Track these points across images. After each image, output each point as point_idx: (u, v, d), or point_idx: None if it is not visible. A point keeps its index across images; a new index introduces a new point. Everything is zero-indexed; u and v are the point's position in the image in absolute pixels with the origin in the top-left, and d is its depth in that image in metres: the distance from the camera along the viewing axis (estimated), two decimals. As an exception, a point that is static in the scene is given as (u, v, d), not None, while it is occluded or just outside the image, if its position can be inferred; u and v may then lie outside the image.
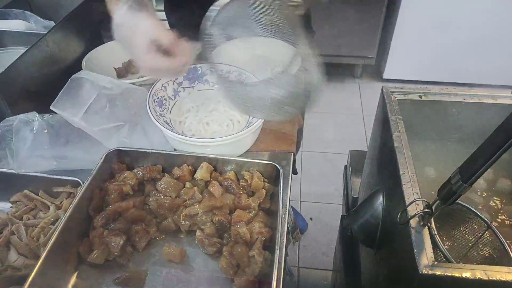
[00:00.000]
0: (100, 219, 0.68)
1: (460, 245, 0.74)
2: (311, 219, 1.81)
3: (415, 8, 2.41)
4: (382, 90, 0.91)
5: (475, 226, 0.73)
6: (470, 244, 0.73)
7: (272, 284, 0.57)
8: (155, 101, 0.83)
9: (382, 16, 2.50)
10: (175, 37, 0.70)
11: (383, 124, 0.87)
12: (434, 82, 2.66)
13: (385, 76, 2.76)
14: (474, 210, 0.72)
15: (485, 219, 0.72)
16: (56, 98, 0.77)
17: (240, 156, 0.83)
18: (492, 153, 0.53)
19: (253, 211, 0.71)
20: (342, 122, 2.63)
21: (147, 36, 0.68)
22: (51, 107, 0.77)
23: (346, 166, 1.40)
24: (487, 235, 0.71)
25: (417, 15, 2.44)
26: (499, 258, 0.69)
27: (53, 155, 0.77)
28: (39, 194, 0.76)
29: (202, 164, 0.76)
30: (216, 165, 0.78)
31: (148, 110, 0.77)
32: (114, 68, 1.06)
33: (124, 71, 1.06)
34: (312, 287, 1.73)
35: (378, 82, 2.83)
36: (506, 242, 0.69)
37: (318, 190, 2.00)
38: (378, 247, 0.83)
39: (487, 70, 2.42)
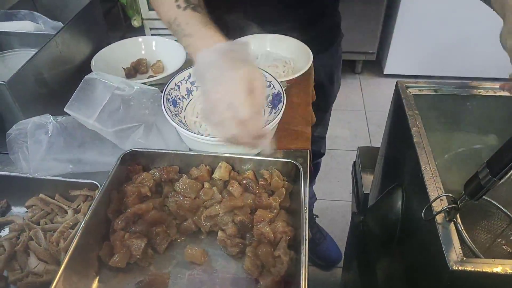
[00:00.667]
0: (120, 222, 0.67)
1: (482, 240, 0.73)
2: (317, 216, 1.80)
3: (416, 3, 2.41)
4: (396, 85, 0.90)
5: (498, 220, 0.72)
6: (493, 239, 0.73)
7: (301, 284, 0.56)
8: (169, 100, 0.82)
9: (383, 11, 2.50)
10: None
11: (399, 120, 0.86)
12: (436, 77, 2.66)
13: (386, 71, 2.76)
14: (497, 205, 0.72)
15: (508, 213, 0.71)
16: (70, 100, 0.76)
17: (257, 154, 0.82)
18: (523, 147, 0.52)
19: (275, 211, 0.70)
20: (344, 118, 2.63)
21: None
22: (65, 109, 0.75)
23: (355, 163, 1.39)
24: (510, 229, 0.71)
25: (417, 10, 2.44)
26: (523, 252, 0.68)
27: (69, 158, 0.76)
28: (55, 198, 0.75)
29: (220, 163, 0.75)
30: (234, 164, 0.77)
31: (164, 110, 0.76)
32: (123, 68, 1.05)
33: (133, 71, 1.05)
34: (320, 285, 1.73)
35: (379, 78, 2.83)
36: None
37: (323, 187, 1.99)
38: (398, 243, 0.83)
39: (489, 64, 2.42)
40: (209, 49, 0.62)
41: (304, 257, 0.60)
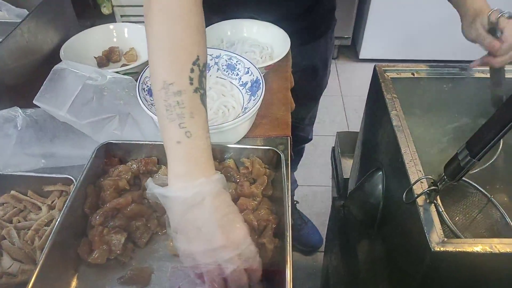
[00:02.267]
0: (98, 217, 0.65)
1: (462, 220, 0.75)
2: (297, 202, 1.81)
3: (389, -14, 2.42)
4: (374, 68, 0.90)
5: (476, 200, 0.74)
6: (471, 218, 0.74)
7: (287, 271, 0.56)
8: (145, 89, 0.79)
9: (357, -4, 2.50)
10: None
11: (378, 104, 0.86)
12: (411, 60, 2.69)
13: (361, 56, 2.77)
14: (475, 185, 0.73)
15: (485, 192, 0.73)
16: (39, 92, 0.73)
17: (237, 143, 0.80)
18: (502, 127, 0.53)
19: (258, 199, 0.69)
20: (320, 103, 2.63)
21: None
22: (34, 101, 0.72)
23: (334, 148, 1.40)
24: (488, 208, 0.73)
25: (391, -6, 2.45)
26: (501, 230, 0.70)
27: (40, 153, 0.73)
28: (28, 194, 0.72)
29: (200, 153, 0.73)
30: (214, 153, 0.75)
31: (139, 99, 0.74)
32: (95, 57, 1.01)
33: (105, 60, 1.01)
34: (303, 270, 1.74)
35: (355, 63, 2.85)
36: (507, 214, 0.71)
37: (303, 173, 2.00)
38: (379, 226, 0.84)
39: (463, 46, 2.46)
40: (210, 181, 0.53)
41: (289, 244, 0.59)
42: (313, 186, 2.06)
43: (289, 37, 0.99)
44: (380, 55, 2.73)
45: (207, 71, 0.87)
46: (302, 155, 1.71)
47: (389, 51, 2.71)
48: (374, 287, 0.88)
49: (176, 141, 0.53)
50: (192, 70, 0.54)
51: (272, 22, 1.03)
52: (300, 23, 1.11)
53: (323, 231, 1.76)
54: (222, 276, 0.52)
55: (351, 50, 2.89)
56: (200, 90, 0.55)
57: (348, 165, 1.25)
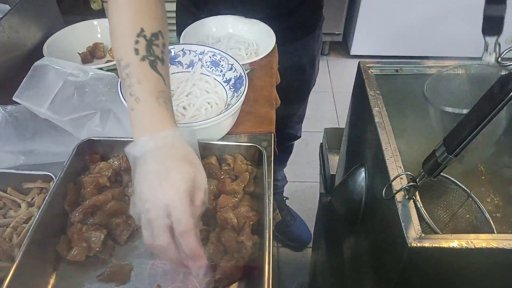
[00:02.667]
0: (77, 214, 0.65)
1: (442, 215, 0.75)
2: (287, 198, 1.82)
3: (380, -17, 2.42)
4: (358, 65, 0.90)
5: (456, 196, 0.74)
6: (451, 214, 0.75)
7: (265, 268, 0.56)
8: (127, 86, 0.78)
9: (348, -8, 2.50)
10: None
11: (362, 100, 0.86)
12: (402, 56, 2.70)
13: (352, 52, 2.77)
14: (455, 181, 0.74)
15: (465, 188, 0.73)
16: (19, 88, 0.72)
17: (220, 139, 0.80)
18: (477, 123, 0.53)
19: (238, 195, 0.69)
20: (312, 99, 2.62)
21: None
22: (14, 98, 0.71)
23: (321, 144, 1.40)
24: (468, 204, 0.73)
25: (381, -10, 2.45)
26: (480, 226, 0.71)
27: (20, 149, 0.72)
28: (8, 192, 0.71)
29: (181, 150, 0.73)
30: (196, 150, 0.75)
31: (121, 96, 0.73)
32: (78, 53, 1.00)
33: (89, 56, 1.00)
34: (292, 265, 1.75)
35: (346, 59, 2.85)
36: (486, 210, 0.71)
37: (293, 169, 2.00)
38: (362, 222, 0.84)
39: (453, 42, 2.47)
40: (155, 138, 0.55)
41: (267, 242, 0.59)
42: (303, 182, 2.07)
43: (276, 34, 0.98)
44: (371, 51, 2.74)
45: (191, 67, 0.87)
46: (291, 152, 1.71)
47: (380, 47, 2.72)
48: (359, 282, 0.89)
49: (131, 108, 0.57)
50: (136, 42, 0.58)
51: (258, 19, 1.03)
52: (287, 20, 1.11)
53: (312, 227, 1.76)
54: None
55: (342, 46, 2.89)
56: (149, 57, 0.59)
57: (335, 161, 1.26)
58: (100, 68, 0.86)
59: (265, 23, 1.02)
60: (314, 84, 1.41)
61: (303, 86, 1.35)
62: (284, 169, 1.77)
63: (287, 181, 1.81)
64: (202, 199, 0.55)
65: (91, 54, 1.01)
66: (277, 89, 1.00)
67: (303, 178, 2.08)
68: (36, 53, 0.91)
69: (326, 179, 1.27)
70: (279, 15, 1.09)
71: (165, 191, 0.51)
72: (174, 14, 1.24)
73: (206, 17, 1.03)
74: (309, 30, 1.20)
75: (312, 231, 1.75)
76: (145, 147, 0.55)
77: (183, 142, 0.58)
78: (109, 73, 0.81)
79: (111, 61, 0.99)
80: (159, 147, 0.55)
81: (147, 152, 0.54)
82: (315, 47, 1.27)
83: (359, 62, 0.91)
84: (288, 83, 1.10)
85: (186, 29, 0.97)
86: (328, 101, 2.55)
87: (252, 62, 0.92)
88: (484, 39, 0.75)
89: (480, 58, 0.79)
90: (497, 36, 0.73)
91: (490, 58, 0.74)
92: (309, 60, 1.27)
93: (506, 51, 0.54)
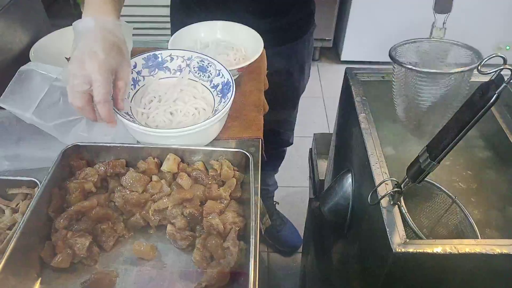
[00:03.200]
0: (62, 221, 0.64)
1: (428, 221, 0.76)
2: (277, 203, 1.82)
3: (369, -11, 2.44)
4: (345, 71, 0.91)
5: (441, 201, 0.75)
6: (437, 219, 0.75)
7: (250, 274, 0.56)
8: (113, 92, 0.78)
9: (338, -2, 2.52)
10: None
11: (348, 106, 0.87)
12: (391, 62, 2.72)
13: (343, 58, 2.79)
14: (440, 186, 0.75)
15: (450, 194, 0.74)
16: (4, 93, 0.71)
17: (208, 145, 0.80)
18: (459, 130, 0.54)
19: (225, 201, 0.69)
20: (302, 105, 2.64)
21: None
22: (-2, 103, 0.71)
23: (311, 149, 1.41)
24: (453, 209, 0.74)
25: (371, -4, 2.48)
26: (464, 231, 0.71)
27: (5, 155, 0.71)
28: (-9, 198, 0.70)
29: (168, 155, 0.73)
30: (183, 156, 0.75)
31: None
32: (66, 58, 1.00)
33: None
34: (282, 270, 1.75)
35: (337, 64, 2.87)
36: (470, 215, 0.72)
37: (283, 174, 2.01)
38: (349, 227, 0.85)
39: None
40: (97, 20, 0.69)
41: (253, 248, 0.59)
42: (294, 187, 2.07)
43: (263, 35, 0.98)
44: (362, 57, 2.76)
45: (179, 72, 0.87)
46: (283, 158, 1.71)
47: (370, 53, 2.74)
48: (346, 287, 0.89)
49: None
50: None
51: (246, 22, 1.03)
52: (275, 21, 1.11)
53: (302, 232, 1.76)
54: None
55: (333, 52, 2.91)
56: None
57: (324, 167, 1.26)
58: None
59: (254, 22, 1.01)
60: (303, 91, 1.41)
61: (290, 91, 1.35)
62: (275, 175, 1.77)
63: (277, 186, 1.81)
64: (123, 86, 0.71)
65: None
66: (265, 93, 1.01)
67: (293, 183, 2.08)
68: (23, 58, 0.90)
69: (315, 184, 1.27)
70: (268, 14, 1.09)
71: (91, 66, 0.65)
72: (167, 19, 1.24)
73: (193, 22, 1.03)
74: (298, 34, 1.21)
75: (302, 236, 1.76)
76: (87, 25, 0.69)
77: (120, 33, 0.72)
78: (96, 78, 0.81)
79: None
80: (98, 29, 0.68)
81: (87, 30, 0.68)
82: (304, 52, 1.27)
83: (346, 68, 0.92)
84: (275, 86, 1.10)
85: (174, 34, 0.97)
86: (319, 106, 2.56)
87: (240, 68, 0.92)
88: (434, 16, 0.84)
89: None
90: (447, 14, 0.82)
91: (440, 33, 0.83)
92: (297, 65, 1.27)
93: (487, 58, 0.55)
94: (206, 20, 1.03)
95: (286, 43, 1.19)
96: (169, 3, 1.23)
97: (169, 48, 0.92)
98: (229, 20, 1.03)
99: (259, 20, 1.03)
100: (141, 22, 2.38)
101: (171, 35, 0.98)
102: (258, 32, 0.99)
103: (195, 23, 1.02)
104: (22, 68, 0.75)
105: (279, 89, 1.19)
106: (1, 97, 0.71)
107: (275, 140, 1.47)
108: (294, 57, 1.24)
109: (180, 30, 1.00)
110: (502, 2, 2.44)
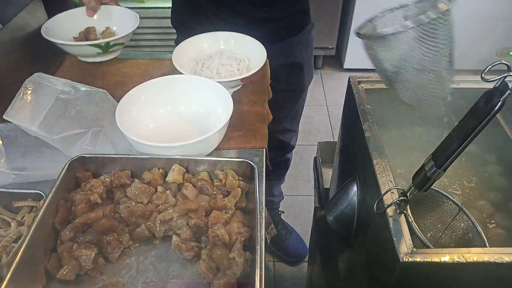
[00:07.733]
0: (68, 232, 0.64)
1: (434, 229, 0.75)
2: (283, 212, 1.81)
3: (371, -2, 2.45)
4: (349, 80, 0.91)
5: (448, 209, 0.74)
6: (444, 228, 0.75)
7: (256, 284, 0.56)
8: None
9: (340, 7, 2.53)
10: None
11: (352, 115, 0.87)
12: (393, 70, 2.72)
13: (345, 66, 2.80)
14: (446, 194, 0.74)
15: (457, 202, 0.73)
16: (9, 106, 0.72)
17: (212, 155, 0.80)
18: (464, 138, 0.54)
19: (230, 211, 0.69)
20: (306, 113, 2.64)
21: None
22: (4, 116, 0.71)
23: (315, 158, 1.40)
24: (460, 217, 0.73)
25: (373, 5, 2.48)
26: (472, 239, 0.71)
27: (11, 167, 0.72)
28: (-2, 210, 0.71)
29: (173, 166, 0.73)
30: (188, 166, 0.75)
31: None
32: (74, 38, 1.05)
33: (84, 40, 1.04)
34: (288, 280, 1.74)
35: (340, 72, 2.87)
36: (478, 223, 0.72)
37: (288, 183, 2.01)
38: (355, 236, 0.84)
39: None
40: None
41: (259, 258, 0.59)
42: (299, 195, 2.06)
43: (257, 34, 0.99)
44: (364, 64, 2.74)
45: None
46: (288, 167, 1.69)
47: (373, 61, 2.74)
48: (353, 297, 0.88)
49: None
50: None
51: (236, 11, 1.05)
52: (264, 15, 1.12)
53: (308, 241, 1.75)
54: None
55: (336, 60, 2.92)
56: None
57: (328, 175, 1.26)
58: (108, 42, 0.97)
59: (242, 11, 1.02)
60: (303, 91, 1.39)
61: (292, 88, 1.33)
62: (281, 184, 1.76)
63: (283, 197, 1.80)
64: None
65: (85, 39, 1.04)
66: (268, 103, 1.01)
67: (298, 192, 2.08)
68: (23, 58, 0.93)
69: (320, 193, 1.27)
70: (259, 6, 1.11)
71: None
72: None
73: (195, 34, 1.03)
74: (291, 29, 1.20)
75: (308, 245, 1.74)
76: None
77: None
78: (100, 89, 0.82)
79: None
80: None
81: None
82: (303, 49, 1.26)
83: (349, 76, 0.92)
84: (271, 83, 1.09)
85: (178, 46, 0.98)
86: (323, 114, 2.56)
87: (243, 78, 0.92)
88: None
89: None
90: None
91: (444, 6, 0.75)
92: (295, 62, 1.26)
93: (490, 66, 0.55)
94: (201, 14, 1.05)
95: (280, 40, 1.18)
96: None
97: (173, 59, 0.92)
98: (218, 12, 1.07)
99: (247, 10, 1.06)
100: (145, 34, 2.40)
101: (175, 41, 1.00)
102: (249, 26, 1.00)
103: (194, 19, 1.05)
104: (27, 80, 0.76)
105: (278, 85, 1.17)
106: (7, 110, 0.72)
107: (274, 139, 1.42)
108: (291, 53, 1.23)
109: (183, 42, 1.00)
110: (507, 8, 2.45)
